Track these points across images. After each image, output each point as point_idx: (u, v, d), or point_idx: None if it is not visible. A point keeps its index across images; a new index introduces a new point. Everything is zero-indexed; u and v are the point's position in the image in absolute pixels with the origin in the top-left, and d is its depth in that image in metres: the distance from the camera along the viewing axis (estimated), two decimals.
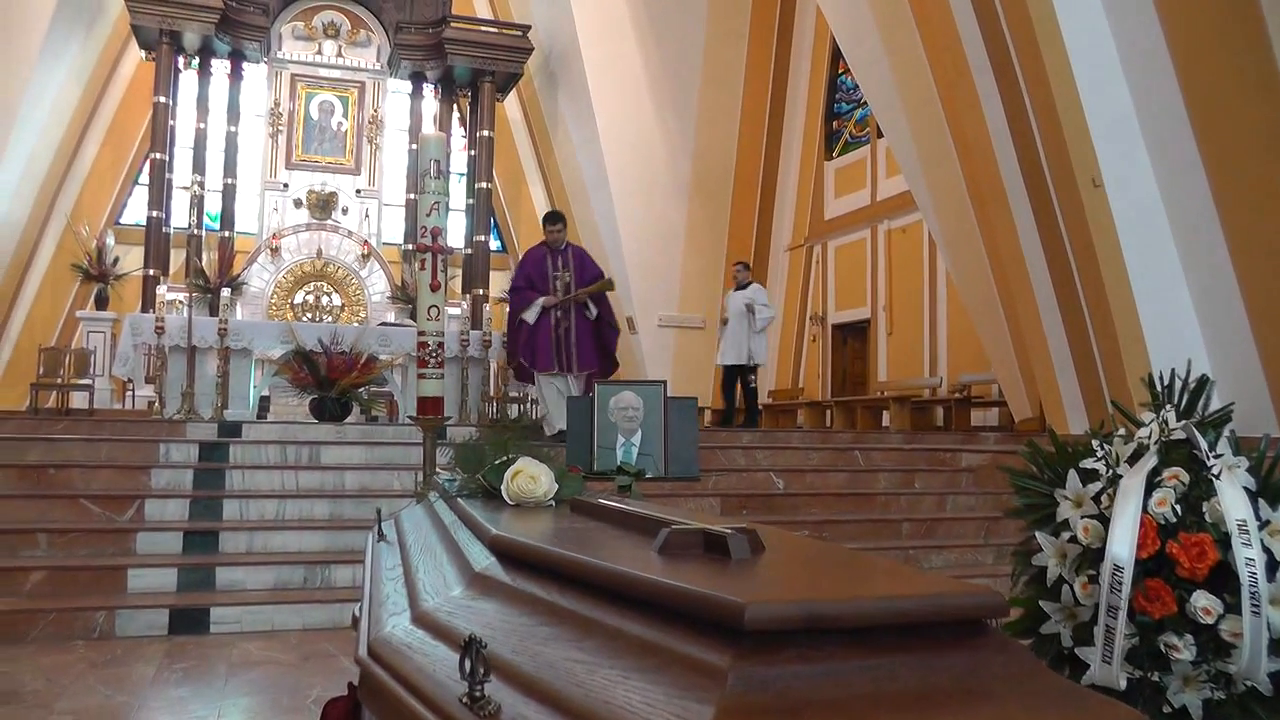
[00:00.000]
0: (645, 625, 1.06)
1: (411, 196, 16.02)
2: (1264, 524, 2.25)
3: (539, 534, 1.61)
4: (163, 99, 14.42)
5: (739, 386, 11.80)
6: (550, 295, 8.66)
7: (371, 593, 1.83)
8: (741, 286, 11.89)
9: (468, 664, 1.05)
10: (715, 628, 0.97)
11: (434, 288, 3.75)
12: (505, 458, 2.10)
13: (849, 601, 1.02)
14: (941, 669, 1.01)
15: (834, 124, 16.94)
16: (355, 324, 13.66)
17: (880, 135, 14.53)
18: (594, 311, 8.78)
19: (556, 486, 1.96)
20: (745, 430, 10.50)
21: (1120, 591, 2.25)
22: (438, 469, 3.40)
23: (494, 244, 17.49)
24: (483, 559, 1.53)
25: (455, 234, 16.40)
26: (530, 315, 8.63)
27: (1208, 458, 2.37)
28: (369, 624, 1.59)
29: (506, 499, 1.95)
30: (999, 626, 2.62)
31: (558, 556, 1.32)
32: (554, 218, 9.06)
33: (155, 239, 14.16)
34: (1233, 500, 2.26)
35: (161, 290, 11.34)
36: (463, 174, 16.64)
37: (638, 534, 1.48)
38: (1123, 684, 2.24)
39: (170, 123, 14.66)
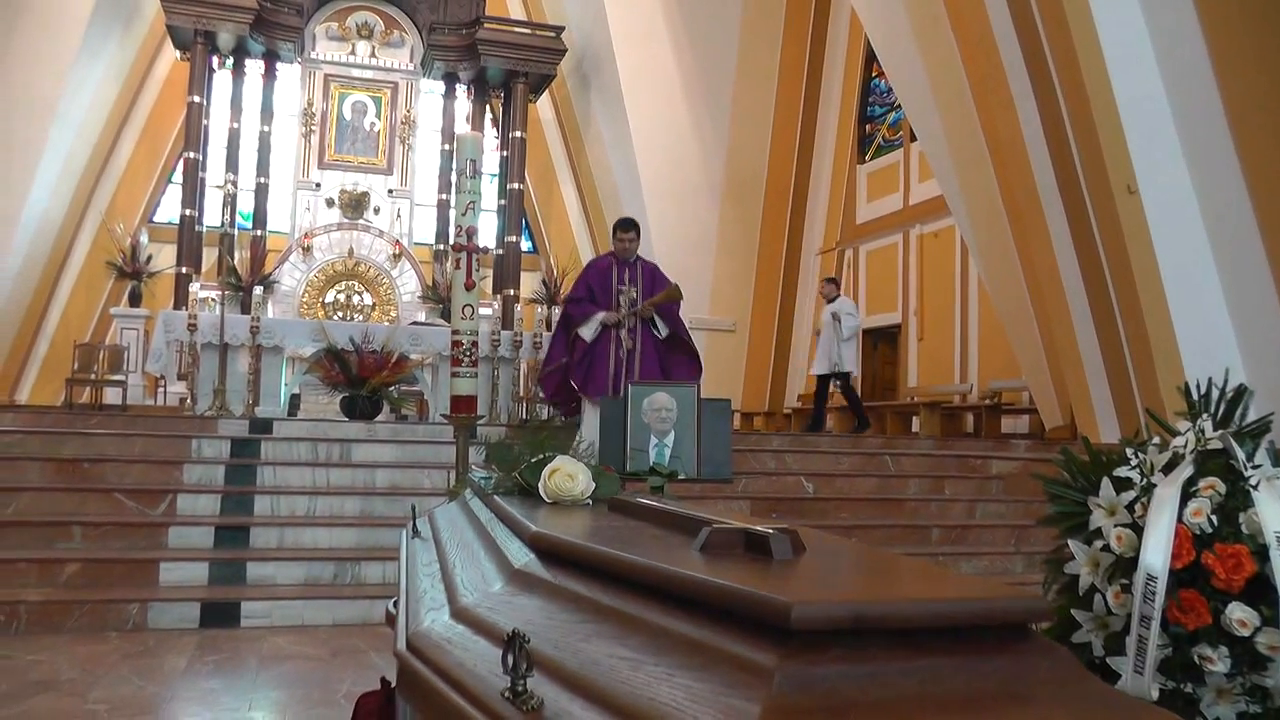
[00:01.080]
0: (690, 623, 1.06)
1: (443, 197, 16.09)
2: None
3: (579, 531, 1.61)
4: (197, 98, 14.59)
5: (834, 394, 12.36)
6: (613, 311, 7.50)
7: (408, 588, 1.83)
8: (830, 300, 12.31)
9: (510, 659, 1.05)
10: (761, 627, 0.97)
11: (469, 287, 3.77)
12: (542, 455, 2.10)
13: (895, 603, 1.02)
14: (986, 672, 1.00)
15: (867, 127, 16.88)
16: (386, 323, 13.74)
17: (913, 139, 14.46)
18: (663, 330, 7.61)
19: (594, 485, 1.96)
20: (776, 435, 10.53)
21: (1153, 601, 2.22)
22: (472, 466, 3.41)
23: (525, 244, 17.53)
24: (522, 556, 1.54)
25: (487, 234, 16.47)
26: (587, 331, 7.47)
27: (1245, 468, 2.34)
28: (407, 619, 1.59)
29: (544, 496, 1.95)
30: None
31: (600, 554, 1.32)
32: (627, 224, 7.76)
33: (188, 237, 14.32)
34: (1271, 512, 2.23)
35: (194, 288, 11.46)
36: (495, 174, 16.70)
37: (678, 533, 1.48)
38: (1154, 695, 2.22)
39: (204, 122, 14.83)
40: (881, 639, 0.98)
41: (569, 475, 1.93)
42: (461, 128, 16.43)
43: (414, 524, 2.40)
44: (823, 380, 12.18)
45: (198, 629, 5.39)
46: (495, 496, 2.12)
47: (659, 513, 1.62)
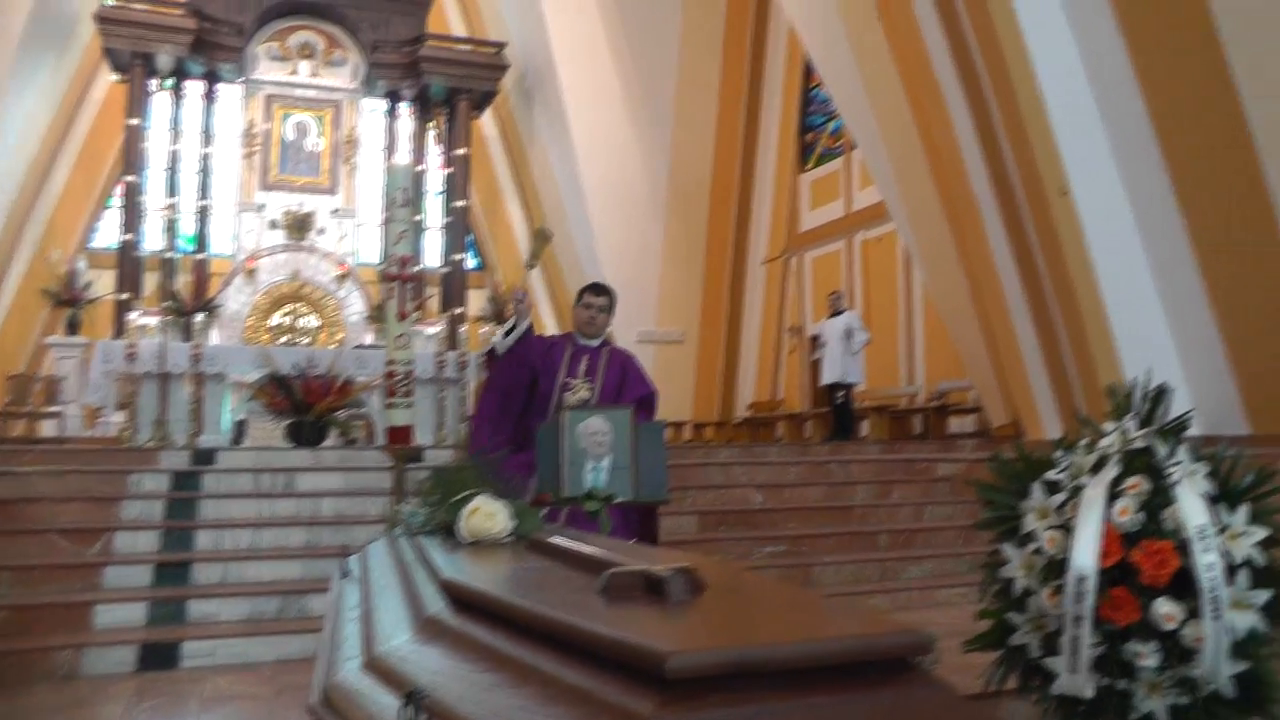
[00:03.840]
0: (580, 672, 1.09)
1: (389, 215, 16.03)
2: (1223, 529, 2.29)
3: (489, 576, 1.64)
4: (135, 121, 14.43)
5: (835, 402, 12.51)
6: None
7: (331, 635, 1.84)
8: (836, 313, 12.45)
9: (406, 718, 1.07)
10: (643, 675, 1.00)
11: (402, 316, 3.79)
12: (464, 494, 2.12)
13: (774, 646, 1.05)
14: (868, 707, 1.04)
15: (808, 136, 17.04)
16: (333, 345, 13.66)
17: (854, 147, 14.61)
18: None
19: (514, 523, 1.98)
20: (724, 446, 10.60)
21: (1085, 600, 2.28)
22: (408, 497, 3.41)
23: (471, 262, 17.51)
24: (435, 602, 1.56)
25: (433, 252, 16.43)
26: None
27: (1167, 466, 2.41)
28: (324, 669, 1.61)
29: (464, 537, 1.97)
30: (965, 645, 2.66)
31: (503, 602, 1.35)
32: (597, 289, 4.95)
33: (128, 263, 14.14)
34: (1191, 507, 2.30)
35: (134, 316, 11.29)
36: (440, 192, 16.67)
37: (586, 574, 1.51)
38: (1090, 692, 2.27)
39: (143, 145, 14.65)
40: (765, 680, 1.01)
41: (488, 515, 1.95)
42: (405, 146, 16.38)
43: (344, 564, 2.41)
44: (831, 389, 12.42)
45: (135, 673, 5.20)
46: (419, 536, 2.13)
47: (570, 554, 1.65)
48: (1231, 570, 2.28)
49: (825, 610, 1.28)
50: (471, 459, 2.69)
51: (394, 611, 1.69)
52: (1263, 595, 2.27)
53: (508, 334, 4.56)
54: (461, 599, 1.48)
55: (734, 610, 1.30)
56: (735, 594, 1.38)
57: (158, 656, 5.30)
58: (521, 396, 4.62)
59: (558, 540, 1.79)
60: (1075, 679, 2.33)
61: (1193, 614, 2.25)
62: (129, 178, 14.40)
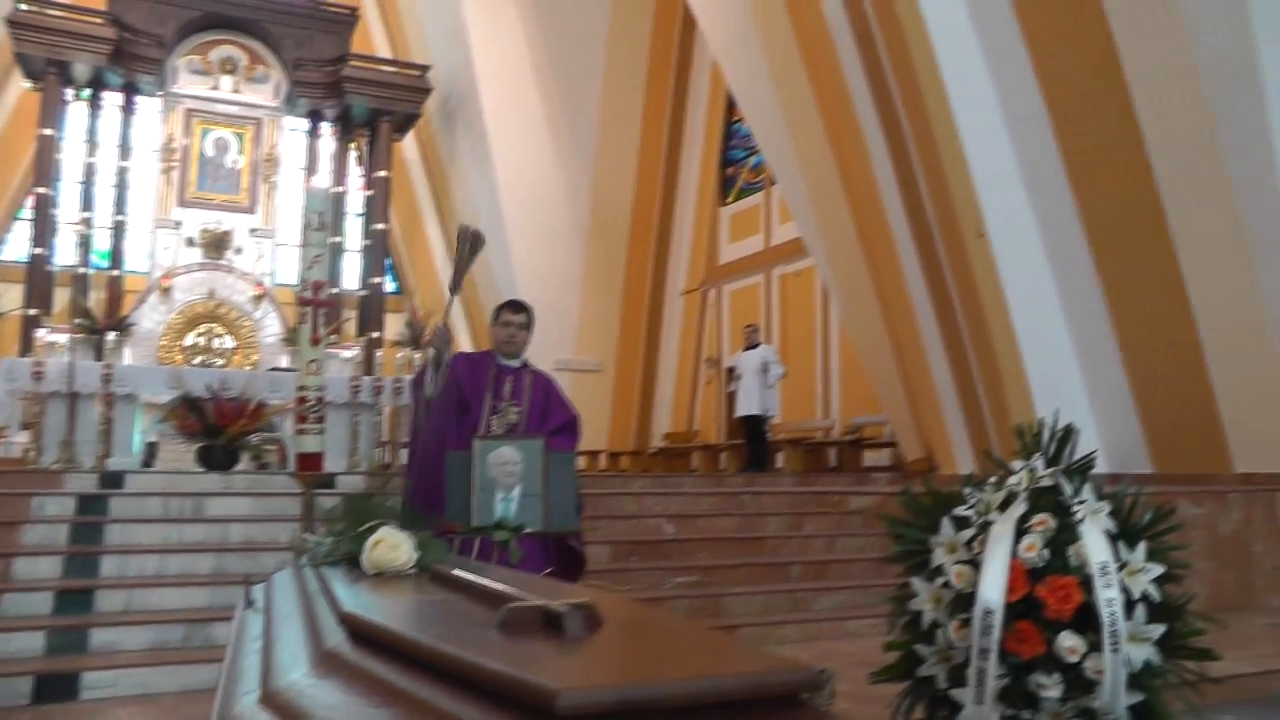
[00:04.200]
0: (475, 708, 1.11)
1: (304, 240, 15.84)
2: (1122, 565, 2.37)
3: (389, 609, 1.64)
4: (49, 131, 14.10)
5: (752, 435, 12.61)
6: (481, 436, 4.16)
7: (230, 667, 1.83)
8: (751, 346, 12.62)
9: None
10: (535, 712, 1.02)
11: (314, 342, 3.75)
12: (368, 524, 2.12)
13: (664, 684, 1.08)
14: None
15: (729, 170, 17.26)
16: (247, 367, 13.43)
17: (774, 182, 14.84)
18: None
19: (417, 555, 1.99)
20: (638, 477, 10.65)
21: (991, 634, 2.33)
22: (316, 526, 3.38)
23: (390, 285, 17.39)
24: (334, 635, 1.55)
25: (351, 275, 16.29)
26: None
27: (1072, 504, 2.48)
28: (222, 702, 1.59)
29: (367, 569, 1.97)
30: (872, 676, 2.72)
31: (398, 636, 1.36)
32: (515, 306, 4.79)
33: (37, 277, 13.79)
34: (1095, 544, 2.37)
35: (42, 333, 10.99)
36: (359, 214, 16.55)
37: (486, 608, 1.52)
38: None
39: (57, 156, 14.32)
40: (656, 717, 1.04)
41: (392, 546, 1.95)
42: (325, 166, 16.23)
43: (248, 593, 2.38)
44: (748, 421, 12.53)
45: (31, 705, 5.03)
46: (323, 566, 2.13)
47: (472, 587, 1.66)
48: (1130, 605, 2.36)
49: (720, 647, 1.31)
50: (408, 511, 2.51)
51: (294, 644, 1.68)
52: (1158, 629, 2.35)
53: (437, 369, 4.39)
54: (360, 632, 1.48)
55: (629, 647, 1.33)
56: (632, 630, 1.41)
57: (56, 688, 5.14)
58: (453, 430, 4.39)
59: (459, 573, 1.80)
60: (981, 710, 2.38)
61: (1094, 647, 2.32)
62: (41, 189, 14.06)
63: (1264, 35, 7.10)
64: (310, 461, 3.59)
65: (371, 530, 2.04)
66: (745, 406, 12.42)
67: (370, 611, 1.55)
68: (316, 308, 3.75)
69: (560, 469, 3.60)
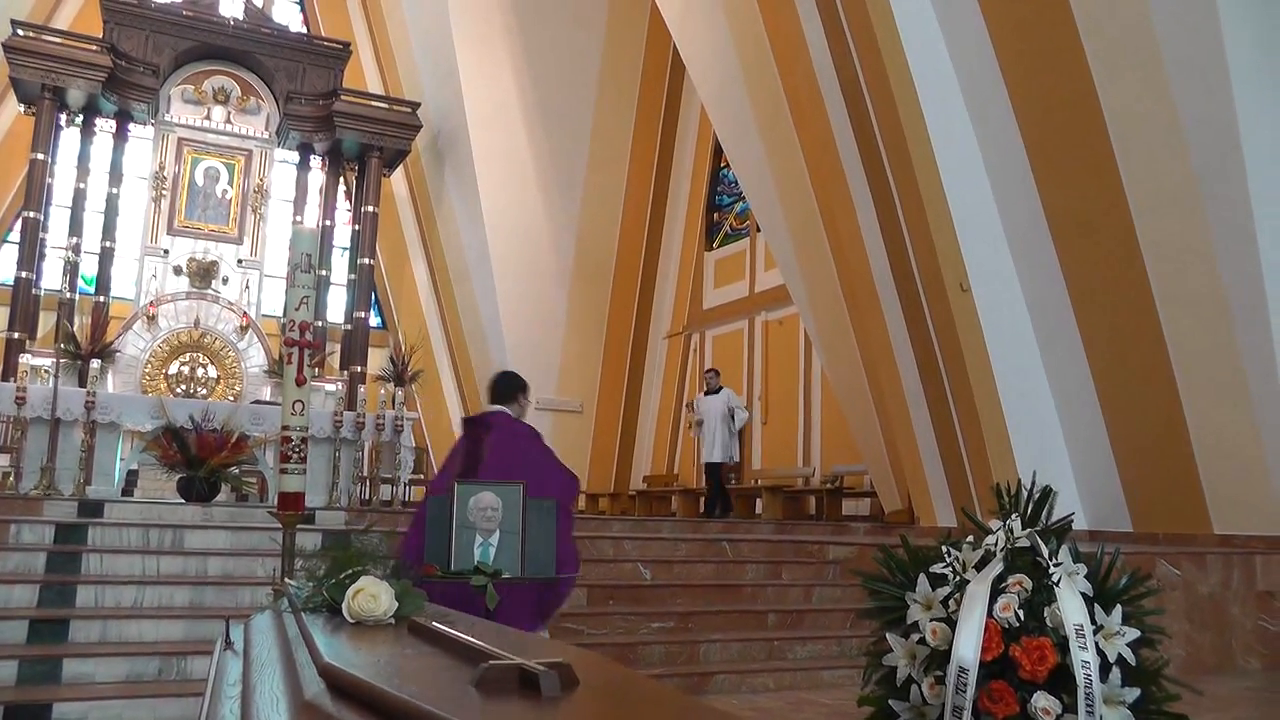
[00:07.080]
0: None
1: (291, 281, 15.84)
2: (1099, 628, 2.41)
3: (368, 662, 1.67)
4: (41, 156, 14.09)
5: (718, 481, 12.73)
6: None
7: (208, 710, 1.85)
8: (713, 391, 12.70)
9: None
10: None
11: (300, 382, 3.78)
12: (350, 572, 2.15)
13: None
14: None
15: (715, 215, 17.39)
16: (230, 397, 13.40)
17: (759, 229, 14.98)
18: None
19: (397, 605, 2.02)
20: (617, 519, 10.67)
21: (965, 692, 2.37)
22: (297, 567, 3.39)
23: (374, 320, 17.43)
24: (314, 685, 1.58)
25: (336, 309, 16.33)
26: None
27: (1049, 565, 2.53)
28: None
29: (347, 617, 2.00)
30: None
31: (377, 691, 1.39)
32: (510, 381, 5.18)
33: (23, 301, 13.75)
34: (1071, 606, 2.41)
35: (26, 358, 10.95)
36: (346, 248, 16.61)
37: (465, 664, 1.56)
38: None
39: (48, 180, 14.31)
40: None
41: (372, 596, 1.99)
42: (315, 199, 16.30)
43: (227, 635, 2.40)
44: (712, 468, 12.62)
45: None
46: (303, 613, 2.15)
47: (450, 641, 1.69)
48: (1105, 668, 2.40)
49: (689, 712, 1.35)
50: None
51: (273, 691, 1.71)
52: (1133, 693, 2.39)
53: None
54: (339, 685, 1.51)
55: (603, 709, 1.36)
56: (608, 693, 1.44)
57: (27, 719, 5.11)
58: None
59: (438, 626, 1.83)
60: None
61: (1068, 708, 2.36)
62: (30, 213, 14.04)
63: (1243, 97, 7.23)
64: (292, 501, 3.61)
65: (353, 578, 2.08)
66: (710, 453, 12.47)
67: (350, 664, 1.59)
68: (303, 349, 3.78)
69: (540, 516, 3.63)
